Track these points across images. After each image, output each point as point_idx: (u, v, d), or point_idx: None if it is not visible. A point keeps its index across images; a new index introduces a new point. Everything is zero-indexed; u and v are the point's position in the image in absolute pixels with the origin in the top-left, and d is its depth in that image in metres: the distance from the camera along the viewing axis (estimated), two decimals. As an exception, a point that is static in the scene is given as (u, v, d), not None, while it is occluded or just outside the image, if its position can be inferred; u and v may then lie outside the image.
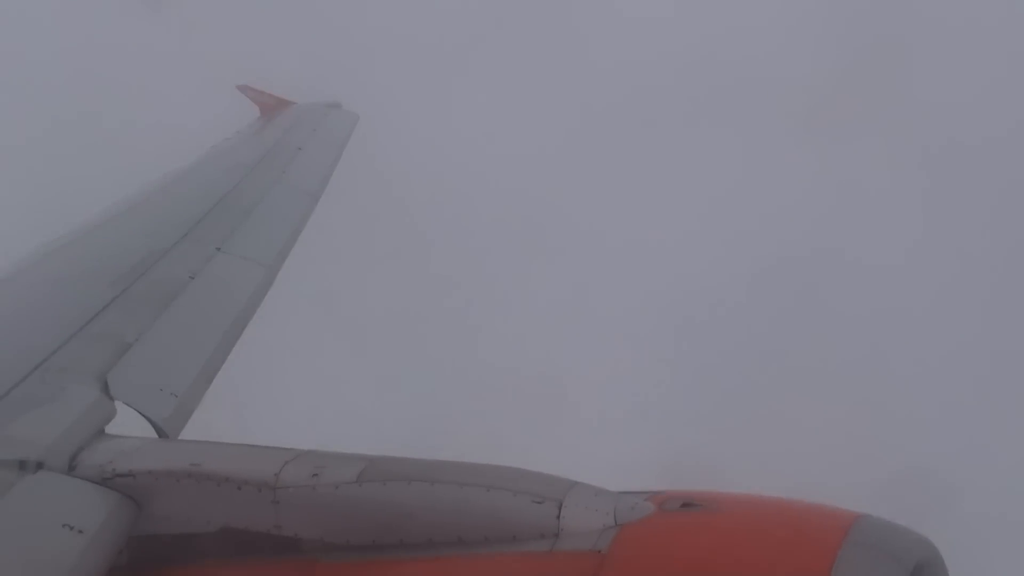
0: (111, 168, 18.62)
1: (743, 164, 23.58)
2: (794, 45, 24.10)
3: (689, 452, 16.12)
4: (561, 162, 23.60)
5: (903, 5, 23.90)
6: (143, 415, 5.94)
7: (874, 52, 23.22)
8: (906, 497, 15.56)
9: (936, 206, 21.78)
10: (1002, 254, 20.82)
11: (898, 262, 21.29)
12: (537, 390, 18.90)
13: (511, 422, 18.04)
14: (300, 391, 18.85)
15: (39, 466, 5.04)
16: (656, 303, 21.03)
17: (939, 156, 22.19)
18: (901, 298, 20.75)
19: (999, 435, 18.04)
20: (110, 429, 5.66)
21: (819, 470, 16.03)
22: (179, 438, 6.01)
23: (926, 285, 20.53)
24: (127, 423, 5.83)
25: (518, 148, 23.53)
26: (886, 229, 22.01)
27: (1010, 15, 22.68)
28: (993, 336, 19.94)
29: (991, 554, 15.24)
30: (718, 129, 23.76)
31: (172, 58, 25.51)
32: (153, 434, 5.87)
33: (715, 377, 19.73)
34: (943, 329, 20.12)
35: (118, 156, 20.24)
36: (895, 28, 23.86)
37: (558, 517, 4.32)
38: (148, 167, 11.46)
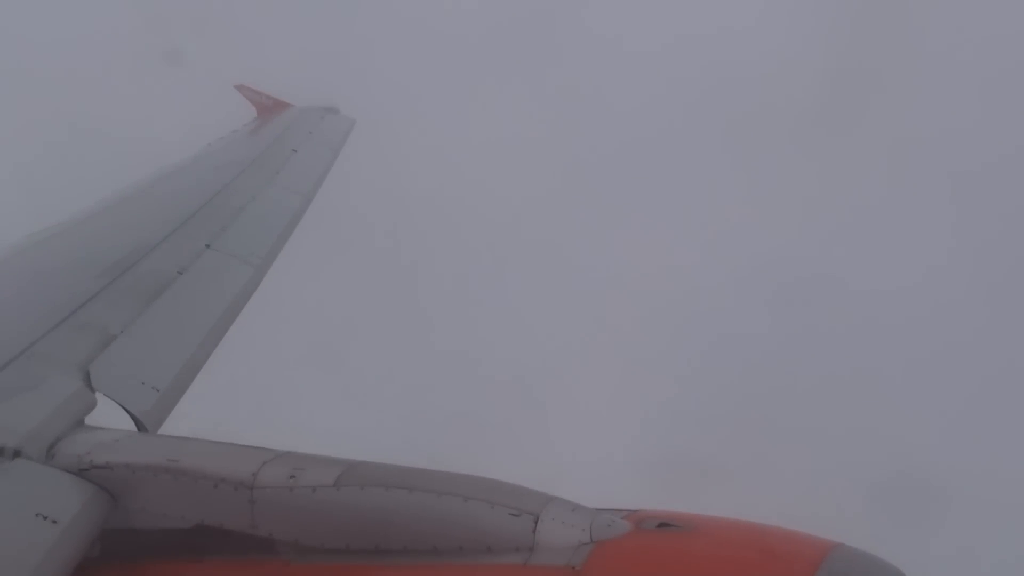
0: (105, 166, 18.61)
1: (735, 173, 23.79)
2: (787, 60, 24.34)
3: (680, 456, 16.21)
4: (555, 169, 23.73)
5: (893, 21, 24.20)
6: (123, 408, 5.90)
7: (866, 66, 23.53)
8: (895, 501, 15.72)
9: (926, 215, 22.01)
10: (995, 259, 21.01)
11: (891, 269, 21.49)
12: (530, 393, 18.96)
13: (503, 425, 18.08)
14: (284, 392, 18.81)
15: (16, 454, 5.01)
16: (651, 310, 21.13)
17: (926, 164, 22.47)
18: (895, 302, 20.92)
19: (991, 441, 18.17)
20: (90, 420, 5.64)
21: (810, 474, 16.17)
22: (159, 433, 5.98)
23: (920, 289, 20.70)
24: (108, 415, 5.80)
25: (513, 156, 23.63)
26: (877, 238, 22.23)
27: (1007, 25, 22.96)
28: (984, 341, 20.10)
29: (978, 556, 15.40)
30: (717, 140, 24.01)
31: (171, 58, 25.56)
32: (133, 427, 5.84)
33: (709, 381, 19.83)
34: (935, 334, 20.27)
35: (113, 155, 20.23)
36: (887, 43, 24.16)
37: (534, 531, 4.30)
38: (143, 165, 11.46)
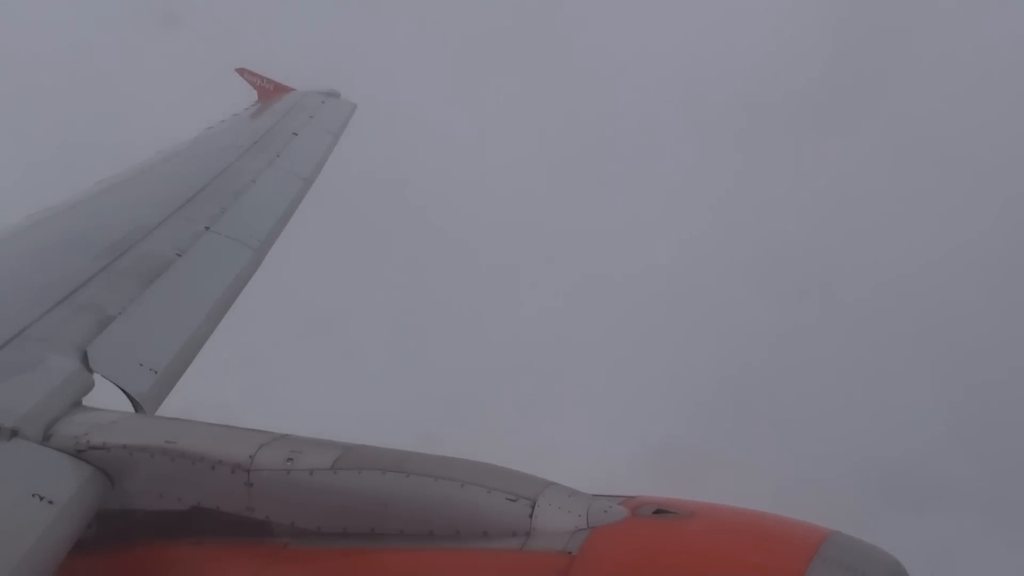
0: (106, 148, 18.55)
1: (732, 163, 23.82)
2: (780, 49, 24.35)
3: (678, 443, 16.24)
4: (555, 156, 23.72)
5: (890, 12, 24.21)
6: (121, 389, 5.90)
7: (860, 55, 23.55)
8: (893, 489, 15.75)
9: (930, 207, 22.03)
10: (994, 251, 21.03)
11: (891, 261, 21.53)
12: (529, 379, 18.98)
13: (500, 409, 18.11)
14: (282, 375, 18.82)
15: (13, 434, 5.01)
16: (650, 299, 21.14)
17: (924, 154, 22.49)
18: (895, 294, 20.96)
19: (989, 432, 18.21)
20: (88, 401, 5.63)
21: (809, 462, 16.20)
22: (156, 414, 5.98)
23: (921, 282, 20.73)
24: (105, 396, 5.80)
25: (514, 142, 23.61)
26: (877, 230, 22.27)
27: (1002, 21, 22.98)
28: (983, 333, 20.12)
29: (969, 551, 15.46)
30: (710, 128, 24.00)
31: (173, 40, 25.53)
32: (130, 408, 5.84)
33: (709, 370, 19.87)
34: (935, 325, 20.29)
35: (114, 136, 20.19)
36: (882, 32, 24.16)
37: (531, 516, 4.30)
38: (144, 147, 11.43)
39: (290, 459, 4.69)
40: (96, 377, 5.86)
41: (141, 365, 6.23)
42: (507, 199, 22.45)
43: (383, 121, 18.51)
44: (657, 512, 4.26)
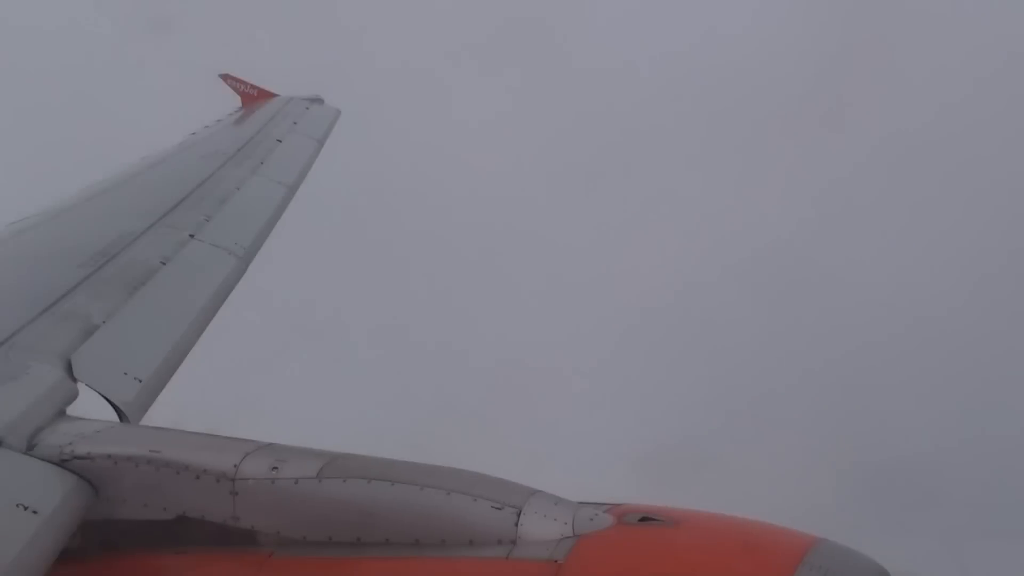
0: (90, 154, 18.48)
1: (726, 165, 23.87)
2: (776, 49, 24.41)
3: (665, 450, 16.24)
4: (543, 159, 23.70)
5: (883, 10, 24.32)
6: (106, 398, 5.87)
7: (854, 54, 23.64)
8: (880, 495, 15.77)
9: (921, 207, 22.08)
10: (988, 251, 21.08)
11: (883, 261, 21.58)
12: (514, 385, 18.95)
13: (487, 417, 18.09)
14: (267, 383, 18.75)
15: None
16: (645, 301, 21.13)
17: (917, 155, 22.55)
18: (887, 294, 21.01)
19: (980, 436, 18.23)
20: (72, 411, 5.60)
21: (796, 468, 16.22)
22: (141, 423, 5.95)
23: (912, 281, 20.78)
24: (90, 406, 5.77)
25: (499, 147, 23.59)
26: (870, 230, 22.32)
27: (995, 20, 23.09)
28: (976, 334, 20.15)
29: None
30: (706, 131, 24.02)
31: (156, 45, 25.46)
32: (115, 418, 5.81)
33: (697, 375, 19.87)
34: (927, 327, 20.31)
35: (97, 143, 20.10)
36: (878, 30, 24.27)
37: (516, 524, 4.31)
38: (127, 154, 11.39)
39: (275, 468, 4.69)
40: (80, 386, 5.83)
41: (126, 374, 6.20)
42: (494, 203, 22.45)
43: (368, 127, 18.47)
44: (643, 520, 4.27)
